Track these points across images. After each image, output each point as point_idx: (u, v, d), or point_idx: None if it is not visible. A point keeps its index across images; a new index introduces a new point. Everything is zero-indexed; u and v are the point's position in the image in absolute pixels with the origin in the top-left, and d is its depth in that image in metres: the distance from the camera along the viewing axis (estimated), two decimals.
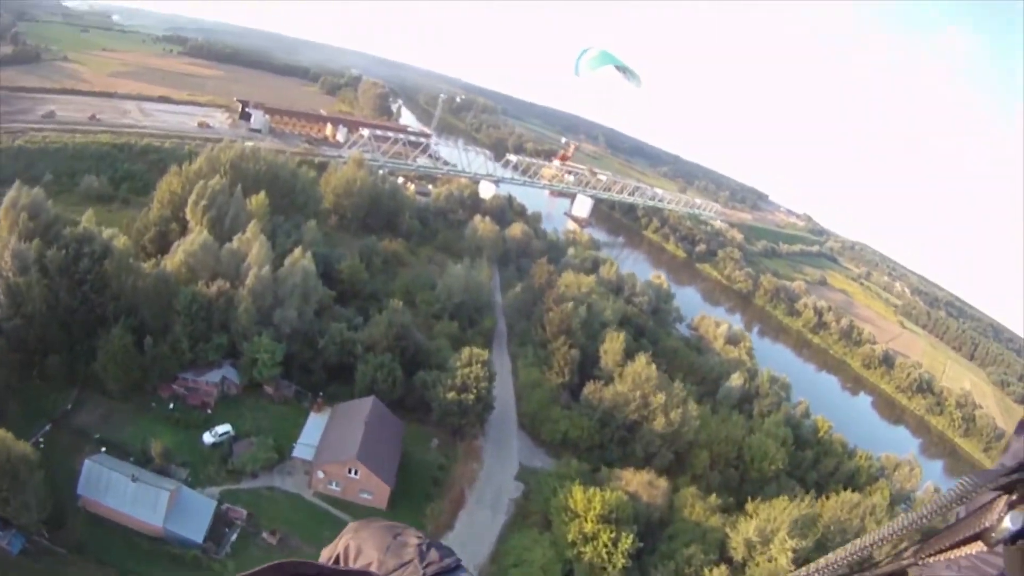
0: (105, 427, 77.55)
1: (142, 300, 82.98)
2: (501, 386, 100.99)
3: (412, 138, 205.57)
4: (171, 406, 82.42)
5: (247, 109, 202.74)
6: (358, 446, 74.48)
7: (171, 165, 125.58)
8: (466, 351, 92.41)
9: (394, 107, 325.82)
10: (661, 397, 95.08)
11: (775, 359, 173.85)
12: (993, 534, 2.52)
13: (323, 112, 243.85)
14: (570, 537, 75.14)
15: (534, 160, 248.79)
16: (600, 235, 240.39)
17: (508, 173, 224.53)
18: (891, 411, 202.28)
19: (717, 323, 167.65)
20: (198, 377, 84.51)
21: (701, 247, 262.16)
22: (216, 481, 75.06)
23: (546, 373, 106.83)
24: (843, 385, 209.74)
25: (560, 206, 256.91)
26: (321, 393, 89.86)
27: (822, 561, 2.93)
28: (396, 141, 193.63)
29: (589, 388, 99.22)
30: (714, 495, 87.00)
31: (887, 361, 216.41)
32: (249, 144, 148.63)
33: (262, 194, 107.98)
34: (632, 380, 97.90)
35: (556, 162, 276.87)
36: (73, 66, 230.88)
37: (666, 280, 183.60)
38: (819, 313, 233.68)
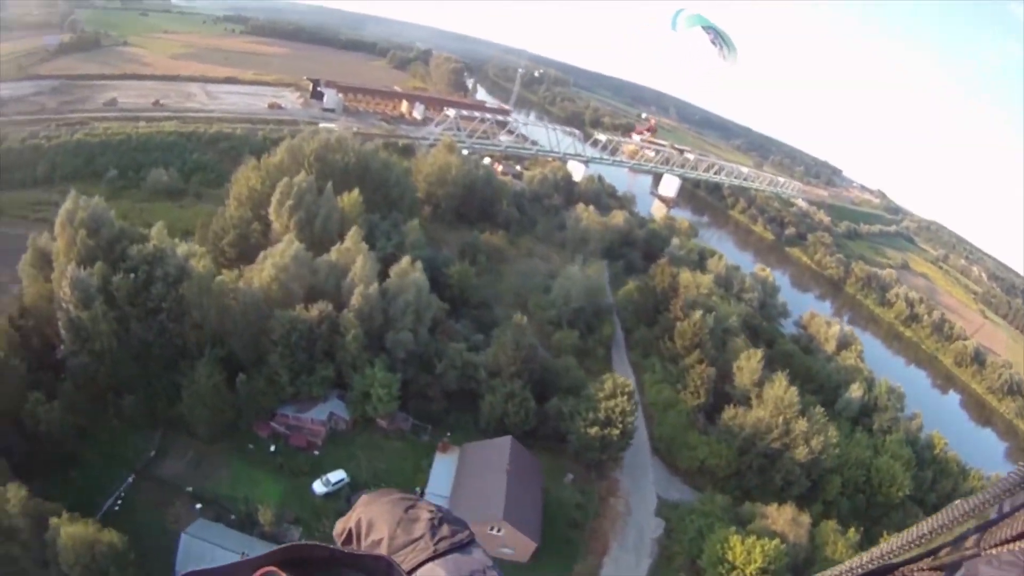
0: (196, 476, 66.40)
1: (229, 328, 69.87)
2: None
3: (499, 117, 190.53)
4: (272, 448, 70.42)
5: (319, 88, 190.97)
6: (503, 504, 63.15)
7: (245, 153, 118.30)
8: (609, 380, 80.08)
9: (469, 82, 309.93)
10: (804, 424, 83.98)
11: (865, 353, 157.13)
12: None
13: (398, 88, 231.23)
14: None
15: (622, 139, 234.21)
16: (685, 214, 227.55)
17: (593, 151, 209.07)
18: (980, 412, 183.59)
19: (828, 323, 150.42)
20: (301, 414, 71.79)
21: (791, 230, 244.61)
22: (333, 540, 61.59)
23: (680, 393, 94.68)
24: (933, 382, 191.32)
25: (641, 183, 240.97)
26: (449, 433, 77.54)
27: (876, 551, 2.85)
28: (483, 120, 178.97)
29: (728, 413, 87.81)
30: (852, 529, 76.91)
31: (979, 359, 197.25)
32: (327, 126, 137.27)
33: (355, 192, 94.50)
34: (774, 404, 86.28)
35: (637, 137, 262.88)
36: (134, 50, 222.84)
37: (771, 273, 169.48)
38: (910, 304, 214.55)
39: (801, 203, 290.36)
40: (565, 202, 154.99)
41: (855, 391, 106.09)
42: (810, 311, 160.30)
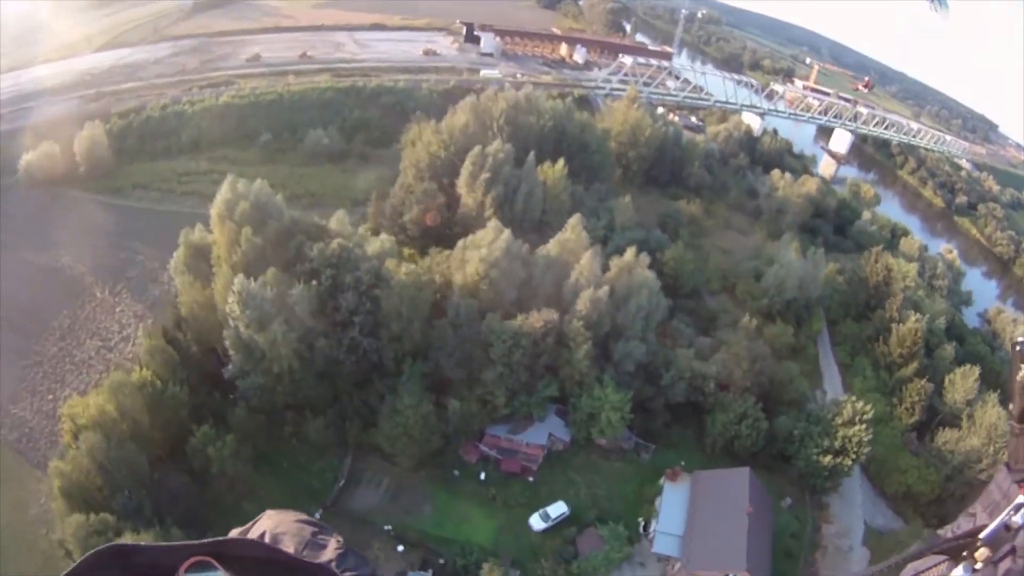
0: (394, 509, 57.82)
1: (435, 342, 58.77)
2: None
3: (663, 63, 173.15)
4: (482, 475, 61.05)
5: (474, 32, 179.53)
6: (745, 552, 55.49)
7: (410, 109, 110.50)
8: (848, 405, 70.10)
9: (627, 25, 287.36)
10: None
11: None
12: None
13: (556, 31, 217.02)
14: None
15: (789, 86, 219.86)
16: (852, 171, 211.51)
17: (768, 103, 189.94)
18: None
19: (1014, 320, 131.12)
20: (516, 435, 62.20)
21: (961, 198, 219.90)
22: None
23: (896, 408, 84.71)
24: None
25: (803, 133, 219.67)
26: (682, 463, 66.35)
27: None
28: (660, 68, 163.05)
29: (943, 436, 79.87)
30: None
31: None
32: (488, 73, 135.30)
33: (560, 163, 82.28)
34: (987, 432, 77.47)
35: (800, 83, 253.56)
36: (272, 3, 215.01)
37: (956, 255, 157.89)
38: None
39: (966, 164, 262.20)
40: (750, 162, 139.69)
41: None
42: (995, 306, 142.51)
